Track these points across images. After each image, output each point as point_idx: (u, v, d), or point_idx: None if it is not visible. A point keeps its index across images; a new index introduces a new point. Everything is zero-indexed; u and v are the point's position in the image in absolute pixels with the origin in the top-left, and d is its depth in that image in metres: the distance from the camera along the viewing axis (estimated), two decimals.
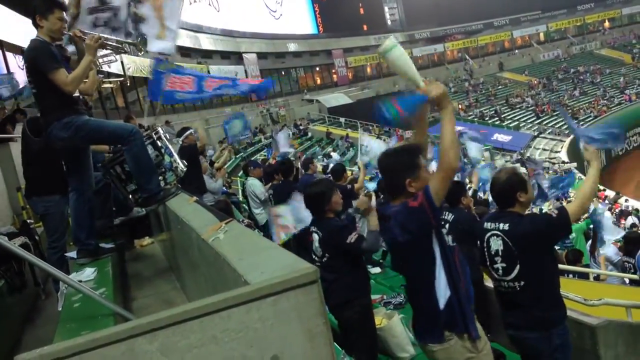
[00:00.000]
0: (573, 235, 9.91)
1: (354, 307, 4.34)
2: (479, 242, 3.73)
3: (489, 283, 5.00)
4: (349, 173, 11.41)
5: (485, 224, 3.65)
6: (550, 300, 3.52)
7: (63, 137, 3.99)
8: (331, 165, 13.18)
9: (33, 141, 4.60)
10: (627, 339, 4.19)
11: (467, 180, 9.83)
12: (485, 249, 3.64)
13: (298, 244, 5.88)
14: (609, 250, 8.46)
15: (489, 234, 3.60)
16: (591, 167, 3.71)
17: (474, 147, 9.94)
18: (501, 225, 3.54)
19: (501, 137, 39.41)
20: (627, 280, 7.81)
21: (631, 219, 19.76)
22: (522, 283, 3.48)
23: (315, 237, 4.46)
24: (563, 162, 34.37)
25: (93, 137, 4.24)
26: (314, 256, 4.49)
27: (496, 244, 3.56)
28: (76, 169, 4.22)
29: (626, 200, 24.38)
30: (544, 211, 10.01)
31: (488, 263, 3.63)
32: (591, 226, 13.47)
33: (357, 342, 4.37)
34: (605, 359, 3.98)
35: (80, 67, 3.96)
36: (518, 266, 3.47)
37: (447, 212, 5.33)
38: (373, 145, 10.31)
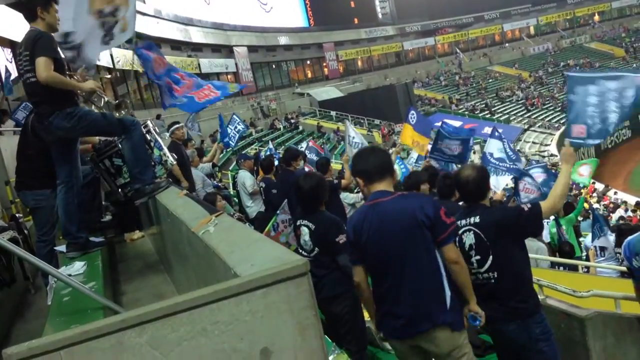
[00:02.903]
0: (563, 227, 9.95)
1: (344, 301, 4.34)
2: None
3: None
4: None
5: (458, 221, 3.68)
6: (524, 290, 3.59)
7: (65, 126, 3.97)
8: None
9: (33, 138, 4.57)
10: (615, 330, 4.23)
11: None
12: (458, 246, 3.65)
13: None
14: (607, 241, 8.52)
15: (461, 231, 3.65)
16: (563, 167, 3.84)
17: (492, 143, 9.87)
18: (472, 219, 3.61)
19: (491, 131, 39.49)
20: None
21: (619, 212, 19.90)
22: (496, 274, 3.55)
23: (305, 230, 4.42)
24: (551, 156, 34.54)
25: (94, 128, 4.22)
26: (301, 250, 4.46)
27: (469, 239, 3.63)
28: (66, 161, 4.19)
29: (615, 193, 24.56)
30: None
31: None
32: (580, 218, 13.57)
33: (347, 335, 4.38)
34: (594, 350, 4.01)
35: (68, 82, 4.02)
36: (491, 257, 3.55)
37: None
38: (358, 139, 10.32)
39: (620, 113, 4.02)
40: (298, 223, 4.55)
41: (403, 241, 3.10)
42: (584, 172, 12.42)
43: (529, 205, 3.61)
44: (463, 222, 3.66)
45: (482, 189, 3.68)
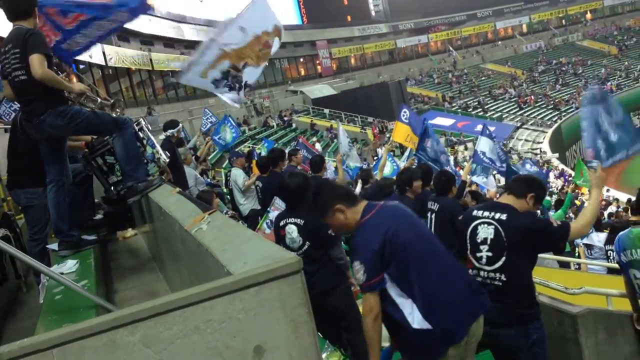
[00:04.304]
0: None
1: (340, 293, 4.36)
2: (466, 230, 3.70)
3: None
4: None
5: (476, 211, 3.64)
6: (529, 297, 3.55)
7: (58, 125, 3.95)
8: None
9: (23, 136, 4.55)
10: (607, 326, 4.24)
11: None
12: (469, 237, 3.61)
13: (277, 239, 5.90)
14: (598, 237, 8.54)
15: (478, 222, 3.57)
16: (593, 193, 3.78)
17: (484, 142, 9.79)
18: (498, 214, 3.52)
19: None
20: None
21: (611, 209, 19.97)
22: (504, 277, 3.46)
23: (293, 227, 4.41)
24: (543, 153, 34.67)
25: (87, 126, 4.19)
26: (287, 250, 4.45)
27: (486, 232, 3.52)
28: (55, 159, 4.18)
29: (607, 191, 24.64)
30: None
31: (469, 251, 3.62)
32: (571, 215, 13.62)
33: (350, 328, 4.37)
34: (586, 347, 4.03)
35: (62, 81, 4.01)
36: (504, 258, 3.45)
37: (433, 202, 5.37)
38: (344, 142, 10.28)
39: (617, 132, 4.00)
40: (282, 223, 4.52)
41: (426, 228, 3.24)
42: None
43: (559, 222, 3.55)
44: (485, 213, 3.57)
45: (524, 187, 3.63)
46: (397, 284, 2.99)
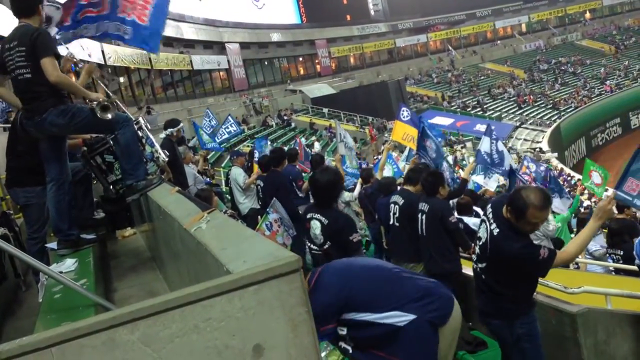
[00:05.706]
0: (559, 224, 9.96)
1: None
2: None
3: (468, 272, 5.05)
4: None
5: (489, 207, 3.67)
6: (516, 295, 3.56)
7: (60, 123, 3.95)
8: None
9: (22, 134, 4.54)
10: (606, 326, 4.24)
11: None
12: (478, 228, 3.76)
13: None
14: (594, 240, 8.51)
15: (484, 218, 3.66)
16: (591, 223, 3.57)
17: (486, 142, 9.71)
18: (494, 226, 3.50)
19: (483, 128, 39.57)
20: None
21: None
22: (483, 277, 3.61)
23: (317, 224, 4.36)
24: (543, 152, 34.66)
25: (87, 125, 4.17)
26: (310, 244, 4.43)
27: (482, 234, 3.61)
28: (56, 158, 4.17)
29: (606, 190, 24.64)
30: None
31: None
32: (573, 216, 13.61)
33: None
34: (585, 346, 4.03)
35: (76, 86, 4.08)
36: (485, 264, 3.59)
37: (423, 203, 5.37)
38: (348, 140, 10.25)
39: None
40: (309, 216, 4.47)
41: None
42: (597, 180, 12.47)
43: (546, 252, 3.38)
44: (490, 216, 3.56)
45: (519, 210, 3.38)
46: (369, 310, 2.83)
